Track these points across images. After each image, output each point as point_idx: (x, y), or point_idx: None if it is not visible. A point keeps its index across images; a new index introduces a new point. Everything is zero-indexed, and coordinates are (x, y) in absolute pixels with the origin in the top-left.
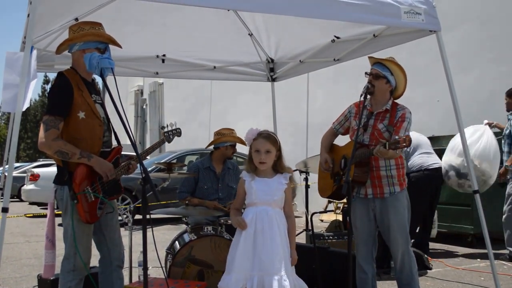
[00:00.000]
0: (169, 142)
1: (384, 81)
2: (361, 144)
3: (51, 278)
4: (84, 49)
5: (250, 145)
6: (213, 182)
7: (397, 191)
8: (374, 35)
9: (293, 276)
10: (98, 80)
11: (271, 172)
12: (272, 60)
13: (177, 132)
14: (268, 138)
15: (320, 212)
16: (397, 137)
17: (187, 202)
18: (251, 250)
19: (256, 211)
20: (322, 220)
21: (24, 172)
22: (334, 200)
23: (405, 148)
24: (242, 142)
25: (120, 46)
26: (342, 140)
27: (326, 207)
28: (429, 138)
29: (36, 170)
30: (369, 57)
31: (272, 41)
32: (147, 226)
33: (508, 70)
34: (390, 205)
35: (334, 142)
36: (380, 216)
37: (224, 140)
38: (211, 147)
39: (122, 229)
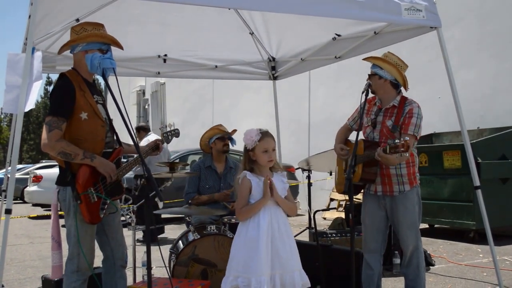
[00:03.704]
0: (167, 143)
1: (376, 77)
2: (372, 142)
3: (55, 279)
4: (87, 50)
5: (253, 147)
6: (215, 181)
7: (407, 189)
8: (375, 32)
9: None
10: (100, 80)
11: (268, 172)
12: (274, 59)
13: (176, 133)
14: (271, 136)
15: (323, 210)
16: (397, 141)
17: (195, 199)
18: (271, 249)
19: (270, 210)
20: (325, 218)
21: (27, 173)
22: (336, 198)
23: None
24: (228, 133)
25: (122, 48)
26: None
27: (329, 204)
28: (430, 135)
29: (39, 172)
30: (364, 60)
31: (273, 40)
32: (151, 226)
33: (509, 66)
34: (400, 203)
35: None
36: (391, 214)
37: (207, 136)
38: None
39: (125, 229)
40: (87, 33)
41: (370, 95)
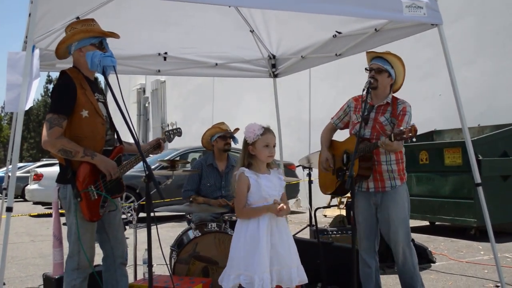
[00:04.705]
0: (169, 141)
1: (386, 75)
2: (362, 138)
3: (56, 277)
4: (81, 48)
5: (254, 141)
6: (217, 180)
7: (398, 184)
8: (375, 29)
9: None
10: (101, 79)
11: (265, 168)
12: (274, 56)
13: (178, 132)
14: (273, 132)
15: (324, 207)
16: (401, 128)
17: (191, 200)
18: (270, 246)
19: None
20: (325, 215)
21: (28, 172)
22: (337, 196)
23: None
24: (230, 132)
25: (115, 37)
26: (339, 135)
27: (330, 202)
28: (431, 132)
29: (39, 170)
30: (367, 53)
31: (274, 37)
32: (152, 224)
33: (509, 63)
34: (391, 198)
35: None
36: (381, 210)
37: (209, 134)
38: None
39: (126, 227)
40: (74, 31)
41: (357, 93)
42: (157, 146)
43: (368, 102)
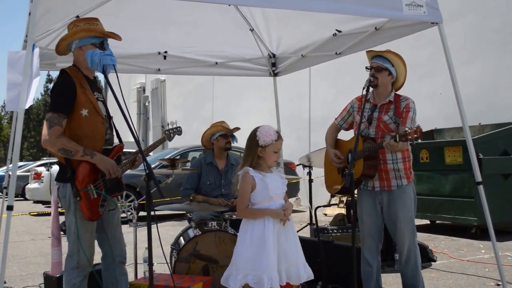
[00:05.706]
0: (169, 140)
1: (386, 73)
2: (367, 138)
3: (57, 276)
4: (81, 46)
5: (267, 145)
6: (216, 178)
7: (404, 184)
8: (375, 28)
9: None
10: (100, 77)
11: (267, 168)
12: (274, 55)
13: (178, 131)
14: (282, 138)
15: (324, 206)
16: (406, 128)
17: (191, 198)
18: (277, 244)
19: (276, 206)
20: (326, 214)
21: (28, 171)
22: (338, 195)
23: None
24: (231, 131)
25: (116, 38)
26: (344, 135)
27: (330, 201)
28: (432, 131)
29: (39, 169)
30: (367, 52)
31: (274, 36)
32: (152, 223)
33: (510, 62)
34: (397, 198)
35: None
36: (387, 209)
37: (210, 133)
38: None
39: (126, 226)
40: (76, 29)
41: (358, 92)
42: (132, 163)
43: (371, 101)
